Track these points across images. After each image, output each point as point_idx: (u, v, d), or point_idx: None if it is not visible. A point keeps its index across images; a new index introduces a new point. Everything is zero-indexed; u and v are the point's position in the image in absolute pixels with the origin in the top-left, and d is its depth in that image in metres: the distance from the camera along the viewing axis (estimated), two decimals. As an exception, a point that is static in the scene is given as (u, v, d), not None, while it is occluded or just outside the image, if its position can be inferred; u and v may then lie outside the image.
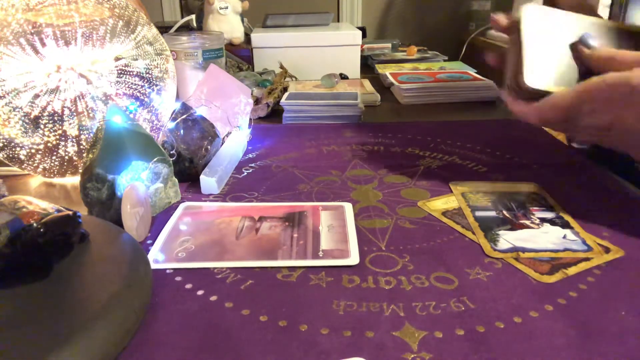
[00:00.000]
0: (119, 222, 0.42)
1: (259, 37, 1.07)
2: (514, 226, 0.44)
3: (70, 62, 0.51)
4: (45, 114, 0.51)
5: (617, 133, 0.41)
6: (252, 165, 0.61)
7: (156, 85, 0.58)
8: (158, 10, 2.50)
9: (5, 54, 0.49)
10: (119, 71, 0.54)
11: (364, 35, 1.48)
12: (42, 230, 0.32)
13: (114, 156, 0.45)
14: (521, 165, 0.59)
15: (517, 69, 0.45)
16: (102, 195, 0.44)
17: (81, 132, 0.53)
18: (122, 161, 0.45)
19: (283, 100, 0.79)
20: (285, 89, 0.90)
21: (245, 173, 0.58)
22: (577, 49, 0.45)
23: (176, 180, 0.50)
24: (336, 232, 0.43)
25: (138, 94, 0.56)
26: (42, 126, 0.51)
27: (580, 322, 0.32)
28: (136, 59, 0.55)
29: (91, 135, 0.53)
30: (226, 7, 1.30)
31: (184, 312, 0.34)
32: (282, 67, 0.99)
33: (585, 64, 0.44)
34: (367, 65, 1.23)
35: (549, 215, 0.46)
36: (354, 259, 0.39)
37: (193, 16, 1.34)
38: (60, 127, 0.52)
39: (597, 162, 0.59)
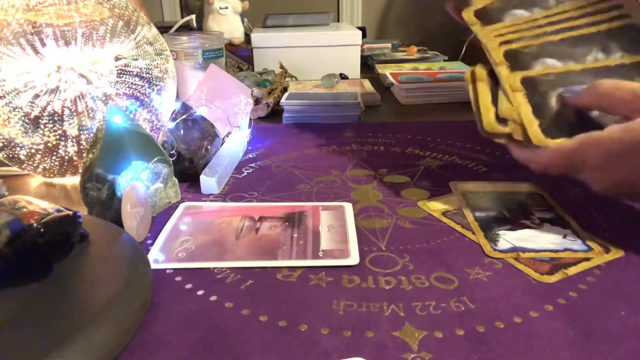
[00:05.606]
0: (119, 222, 0.42)
1: (259, 37, 1.07)
2: (514, 226, 0.44)
3: (70, 62, 0.51)
4: (45, 114, 0.51)
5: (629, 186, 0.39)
6: (252, 165, 0.61)
7: (156, 85, 0.58)
8: (158, 10, 2.50)
9: (5, 54, 0.49)
10: (119, 71, 0.54)
11: (364, 35, 1.48)
12: (42, 230, 0.32)
13: (114, 156, 0.45)
14: (521, 165, 0.59)
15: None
16: (102, 195, 0.44)
17: (81, 132, 0.53)
18: (122, 161, 0.45)
19: (283, 100, 0.79)
20: (285, 89, 0.90)
21: (245, 173, 0.58)
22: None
23: (176, 180, 0.50)
24: (336, 232, 0.43)
25: (138, 94, 0.56)
26: (42, 126, 0.51)
27: (580, 322, 0.32)
28: (136, 59, 0.55)
29: (91, 135, 0.53)
30: (226, 7, 1.30)
31: (184, 312, 0.34)
32: (282, 67, 0.99)
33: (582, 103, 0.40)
34: (367, 65, 1.23)
35: (549, 215, 0.46)
36: (354, 259, 0.39)
37: (193, 16, 1.34)
38: (60, 127, 0.52)
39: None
